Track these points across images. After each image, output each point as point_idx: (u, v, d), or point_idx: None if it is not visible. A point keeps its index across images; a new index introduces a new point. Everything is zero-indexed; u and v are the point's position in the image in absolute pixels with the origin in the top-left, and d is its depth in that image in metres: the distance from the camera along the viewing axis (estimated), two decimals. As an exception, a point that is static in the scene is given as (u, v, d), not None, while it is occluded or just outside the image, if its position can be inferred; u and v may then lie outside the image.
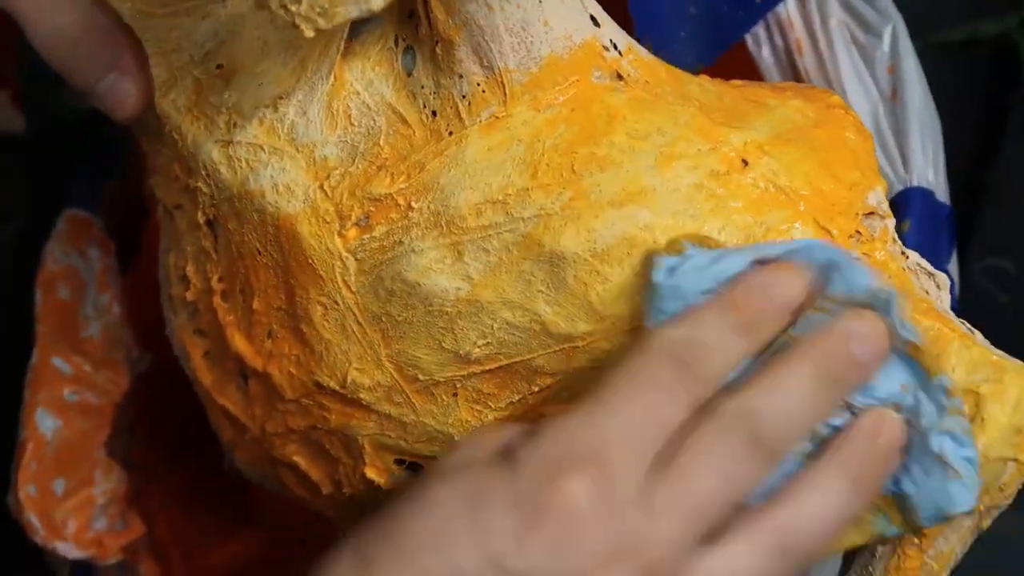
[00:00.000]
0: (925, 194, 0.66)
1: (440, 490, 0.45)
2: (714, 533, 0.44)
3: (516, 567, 0.42)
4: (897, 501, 0.48)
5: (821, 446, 0.46)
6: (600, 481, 0.42)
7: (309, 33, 0.45)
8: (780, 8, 0.71)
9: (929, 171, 0.66)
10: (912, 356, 0.46)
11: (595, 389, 0.45)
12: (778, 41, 0.71)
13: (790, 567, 0.44)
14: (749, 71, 0.72)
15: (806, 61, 0.70)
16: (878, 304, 0.46)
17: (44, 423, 0.73)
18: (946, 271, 0.67)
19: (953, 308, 0.54)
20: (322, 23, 0.45)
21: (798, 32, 0.70)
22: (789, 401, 0.45)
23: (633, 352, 0.46)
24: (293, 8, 0.45)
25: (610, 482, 0.43)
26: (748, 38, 0.72)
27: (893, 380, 0.46)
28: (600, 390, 0.45)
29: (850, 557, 0.54)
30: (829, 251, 0.46)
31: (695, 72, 0.57)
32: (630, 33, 0.55)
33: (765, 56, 0.72)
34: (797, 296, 0.46)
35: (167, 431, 0.83)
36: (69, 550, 0.73)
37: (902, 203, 0.66)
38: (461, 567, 0.42)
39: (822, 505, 0.45)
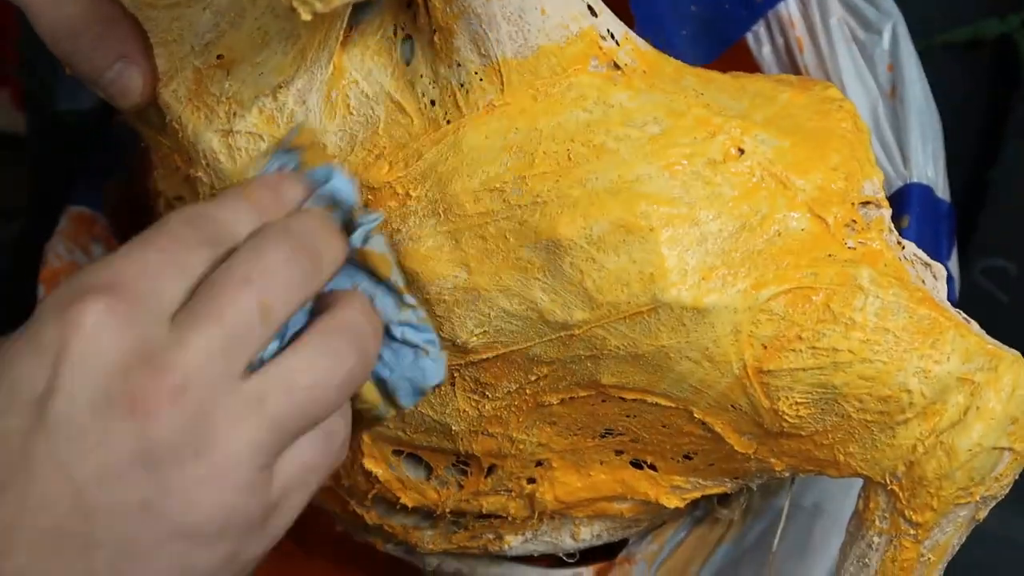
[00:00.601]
0: (924, 190, 0.66)
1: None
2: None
3: (53, 403, 0.40)
4: (380, 387, 0.50)
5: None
6: (118, 305, 0.42)
7: (306, 16, 0.45)
8: (781, 6, 0.71)
9: (928, 167, 0.67)
10: (363, 263, 0.49)
11: (116, 250, 0.45)
12: (779, 39, 0.71)
13: (343, 369, 0.44)
14: (750, 69, 0.72)
15: (806, 59, 0.70)
16: (343, 214, 0.49)
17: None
18: (946, 267, 0.67)
19: (954, 305, 0.54)
20: (319, 7, 0.45)
21: (799, 30, 0.70)
22: (310, 224, 0.46)
23: (153, 225, 0.46)
24: (290, -9, 0.45)
25: (131, 305, 0.42)
26: (749, 36, 0.72)
27: (346, 281, 0.49)
28: (121, 248, 0.44)
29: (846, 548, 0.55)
30: (332, 173, 0.50)
31: (696, 67, 0.57)
32: (632, 29, 0.55)
33: (766, 54, 0.72)
34: (298, 194, 0.49)
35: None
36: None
37: (902, 199, 0.67)
38: (3, 434, 0.40)
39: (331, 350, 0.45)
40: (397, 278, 0.49)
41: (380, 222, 0.49)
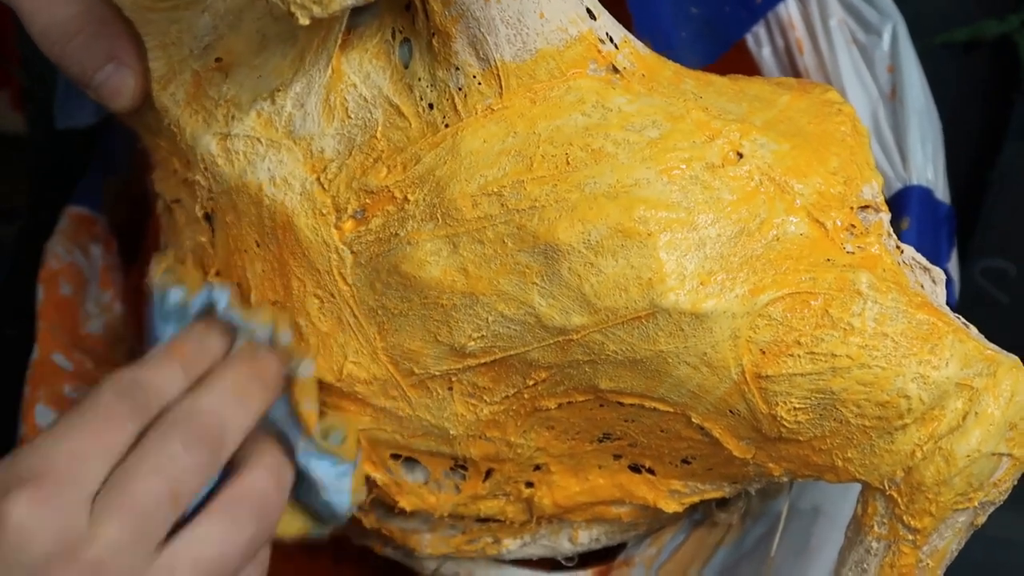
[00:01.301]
0: (924, 192, 0.66)
1: None
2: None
3: None
4: (306, 509, 0.57)
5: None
6: (41, 496, 0.44)
7: (304, 21, 0.45)
8: (781, 8, 0.71)
9: (928, 169, 0.66)
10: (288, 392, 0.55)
11: (48, 427, 0.48)
12: (779, 41, 0.71)
13: (245, 537, 0.49)
14: (750, 70, 0.72)
15: (806, 60, 0.70)
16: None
17: (44, 419, 0.73)
18: (946, 269, 0.67)
19: (953, 307, 0.53)
20: (317, 11, 0.45)
21: (798, 32, 0.70)
22: (218, 398, 0.51)
23: (86, 394, 0.49)
24: (288, -4, 0.45)
25: (53, 497, 0.45)
26: (749, 38, 0.72)
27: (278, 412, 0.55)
28: (51, 426, 0.48)
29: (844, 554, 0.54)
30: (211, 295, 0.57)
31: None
32: (630, 31, 0.55)
33: (766, 56, 0.72)
34: (218, 340, 0.54)
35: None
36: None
37: (901, 201, 0.66)
38: None
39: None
40: (310, 406, 0.54)
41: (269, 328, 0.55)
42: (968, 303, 0.72)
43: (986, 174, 0.78)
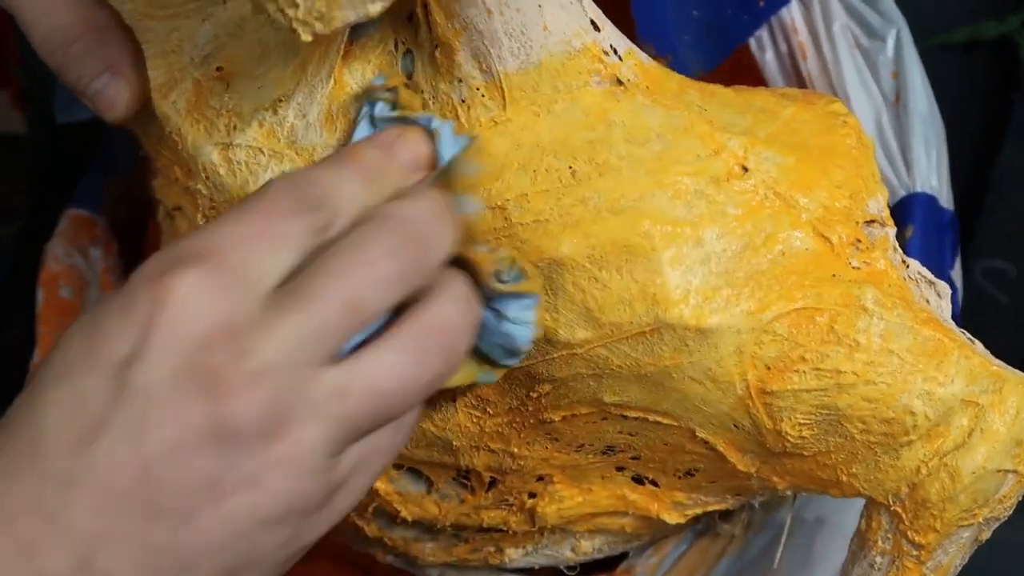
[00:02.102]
0: (928, 199, 0.66)
1: (64, 333, 0.43)
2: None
3: (137, 370, 0.40)
4: (475, 353, 0.51)
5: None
6: (208, 276, 0.41)
7: (306, 38, 0.45)
8: (784, 12, 0.70)
9: (932, 176, 0.66)
10: None
11: (214, 219, 0.45)
12: (782, 45, 0.71)
13: (429, 373, 0.44)
14: (752, 75, 0.72)
15: (809, 65, 0.70)
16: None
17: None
18: (949, 277, 0.67)
19: (956, 314, 0.53)
20: (319, 27, 0.45)
21: (802, 36, 0.70)
22: (425, 211, 0.45)
23: (254, 191, 0.45)
24: (290, 12, 0.44)
25: (222, 278, 0.41)
26: (752, 42, 0.72)
27: None
28: (219, 217, 0.44)
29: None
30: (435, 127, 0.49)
31: (697, 76, 0.57)
32: (631, 36, 0.54)
33: (768, 60, 0.71)
34: (416, 157, 0.48)
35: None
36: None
37: (905, 208, 0.66)
38: (80, 392, 0.41)
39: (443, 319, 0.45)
40: (483, 248, 0.48)
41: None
42: (968, 303, 0.72)
43: (986, 174, 0.78)
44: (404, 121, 0.50)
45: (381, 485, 0.59)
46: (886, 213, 0.52)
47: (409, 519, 0.61)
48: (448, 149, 0.49)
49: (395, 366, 0.43)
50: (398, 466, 0.59)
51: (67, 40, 0.55)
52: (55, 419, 0.41)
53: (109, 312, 0.42)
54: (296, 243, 0.43)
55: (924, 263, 0.54)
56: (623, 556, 0.68)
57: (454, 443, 0.56)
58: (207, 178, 0.56)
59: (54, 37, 0.55)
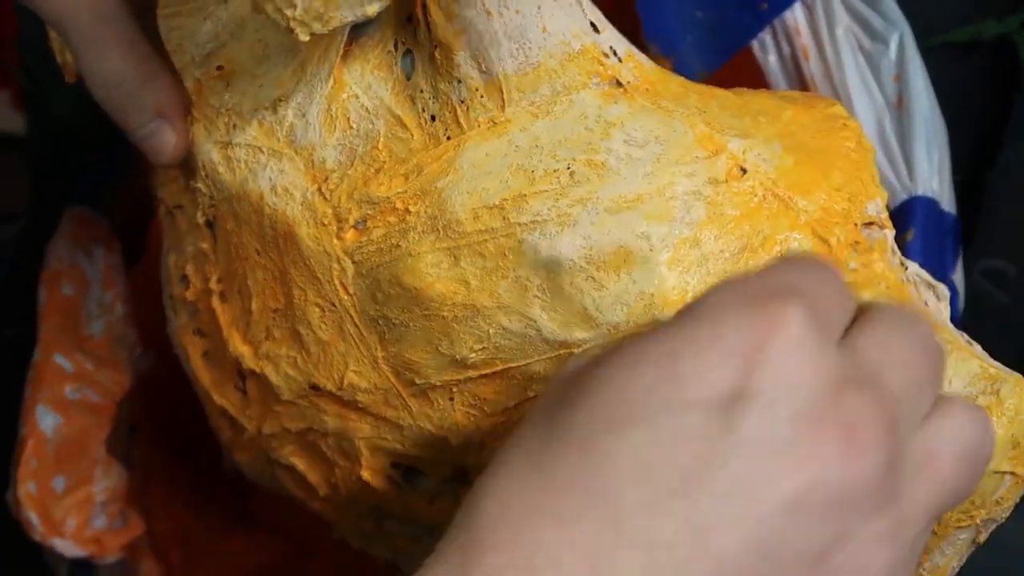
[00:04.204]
0: (930, 203, 0.66)
1: (603, 371, 0.38)
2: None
3: (745, 411, 0.35)
4: None
5: None
6: (811, 312, 0.36)
7: (304, 37, 0.45)
8: (787, 14, 0.70)
9: (934, 180, 0.66)
10: None
11: (773, 262, 0.41)
12: (784, 47, 0.71)
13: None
14: (755, 77, 0.72)
15: (812, 68, 0.70)
16: None
17: (45, 420, 0.73)
18: (950, 280, 0.67)
19: (957, 317, 0.53)
20: (317, 27, 0.45)
21: (804, 39, 0.70)
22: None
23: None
24: (288, 12, 0.45)
25: (821, 317, 0.37)
26: (755, 44, 0.72)
27: None
28: (788, 257, 0.41)
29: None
30: None
31: (699, 77, 0.57)
32: (637, 35, 0.55)
33: (771, 62, 0.71)
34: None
35: (169, 430, 0.84)
36: (68, 548, 0.73)
37: (906, 212, 0.66)
38: (665, 437, 0.35)
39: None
40: None
41: None
42: (968, 303, 0.71)
43: (985, 175, 0.78)
44: None
45: (379, 484, 0.59)
46: (885, 215, 0.52)
47: (407, 519, 0.61)
48: None
49: (968, 434, 0.40)
50: (396, 465, 0.59)
51: (116, 81, 0.56)
52: (630, 470, 0.35)
53: (687, 346, 0.37)
54: (852, 311, 0.40)
55: (924, 266, 0.54)
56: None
57: (451, 441, 0.56)
58: (206, 176, 0.56)
59: (103, 77, 0.56)
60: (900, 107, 0.68)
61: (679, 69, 0.58)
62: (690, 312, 0.38)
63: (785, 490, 0.35)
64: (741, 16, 0.72)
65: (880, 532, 0.36)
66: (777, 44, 0.71)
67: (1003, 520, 0.52)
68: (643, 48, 0.57)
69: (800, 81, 0.71)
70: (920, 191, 0.66)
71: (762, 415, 0.35)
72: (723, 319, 0.37)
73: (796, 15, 0.70)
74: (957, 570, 0.53)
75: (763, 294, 0.37)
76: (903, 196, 0.66)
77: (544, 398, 0.40)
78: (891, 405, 0.37)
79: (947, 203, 0.67)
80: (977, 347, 0.52)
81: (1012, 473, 0.50)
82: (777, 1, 0.70)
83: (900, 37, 0.68)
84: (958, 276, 0.68)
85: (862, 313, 0.40)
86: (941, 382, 0.40)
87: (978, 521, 0.51)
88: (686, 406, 0.36)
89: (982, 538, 0.53)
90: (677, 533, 0.34)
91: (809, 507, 0.35)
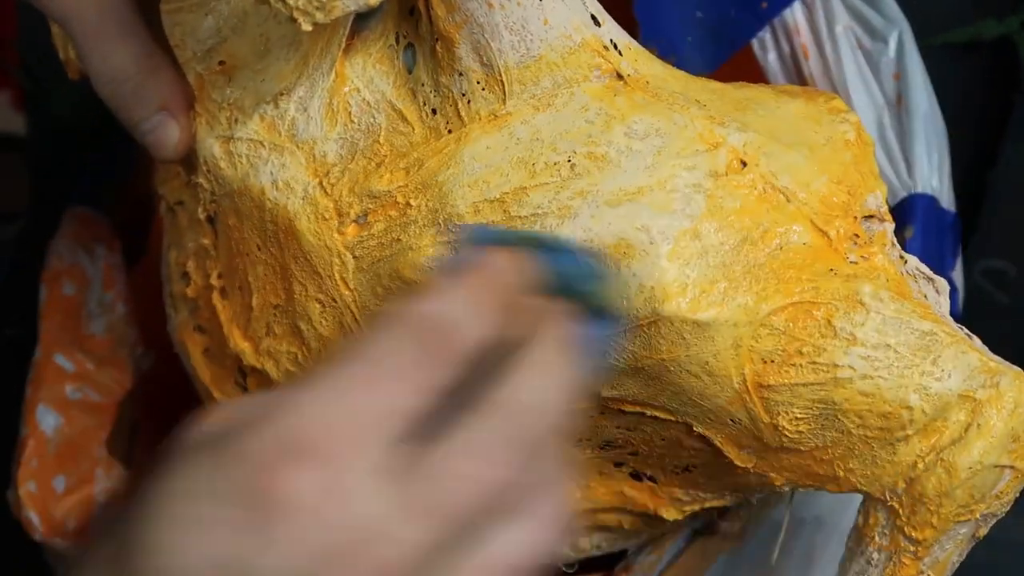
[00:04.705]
0: (929, 200, 0.66)
1: (158, 483, 0.38)
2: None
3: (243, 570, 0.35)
4: None
5: None
6: (325, 474, 0.36)
7: (307, 27, 0.45)
8: (787, 13, 0.70)
9: (934, 177, 0.66)
10: None
11: (331, 366, 0.39)
12: (784, 46, 0.71)
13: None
14: (755, 76, 0.72)
15: (812, 66, 0.70)
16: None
17: (45, 420, 0.73)
18: (950, 278, 0.67)
19: (957, 315, 0.53)
20: (319, 17, 0.45)
21: (804, 37, 0.70)
22: (546, 397, 0.40)
23: (377, 327, 0.40)
24: (291, 2, 0.45)
25: (338, 474, 0.36)
26: (754, 43, 0.72)
27: None
28: (336, 368, 0.38)
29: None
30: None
31: (700, 76, 0.57)
32: (635, 37, 0.55)
33: (771, 61, 0.72)
34: (524, 280, 0.43)
35: (171, 429, 0.83)
36: (68, 548, 0.73)
37: (906, 209, 0.66)
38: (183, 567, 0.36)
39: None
40: None
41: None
42: (968, 303, 0.71)
43: (986, 174, 0.78)
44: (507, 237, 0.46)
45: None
46: (885, 209, 0.52)
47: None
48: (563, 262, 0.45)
49: (521, 537, 0.39)
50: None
51: (120, 77, 0.56)
52: None
53: (212, 502, 0.36)
54: (414, 411, 0.38)
55: (923, 264, 0.54)
56: (622, 555, 0.68)
57: (452, 437, 0.56)
58: (208, 171, 0.56)
59: (107, 72, 0.56)
60: (899, 105, 0.68)
61: (679, 69, 0.58)
62: (221, 462, 0.38)
63: None
64: (741, 15, 0.72)
65: None
66: (777, 43, 0.71)
67: (1002, 514, 0.52)
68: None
69: (800, 79, 0.71)
70: (919, 188, 0.66)
71: None
72: (238, 486, 0.37)
73: (796, 14, 0.70)
74: (957, 564, 0.53)
75: (271, 459, 0.36)
76: (903, 194, 0.66)
77: None
78: (394, 570, 0.36)
79: (947, 201, 0.67)
80: (976, 340, 0.52)
81: (1011, 467, 0.50)
82: (776, 0, 0.70)
83: (899, 35, 0.68)
84: (958, 274, 0.68)
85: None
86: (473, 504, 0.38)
87: (978, 515, 0.51)
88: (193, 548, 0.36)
89: (982, 532, 0.53)
90: None
91: None
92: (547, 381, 0.40)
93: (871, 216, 0.52)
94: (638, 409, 0.53)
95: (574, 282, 0.45)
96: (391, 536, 0.37)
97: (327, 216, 0.53)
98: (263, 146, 0.54)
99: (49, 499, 0.72)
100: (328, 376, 0.38)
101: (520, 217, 0.50)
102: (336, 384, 0.38)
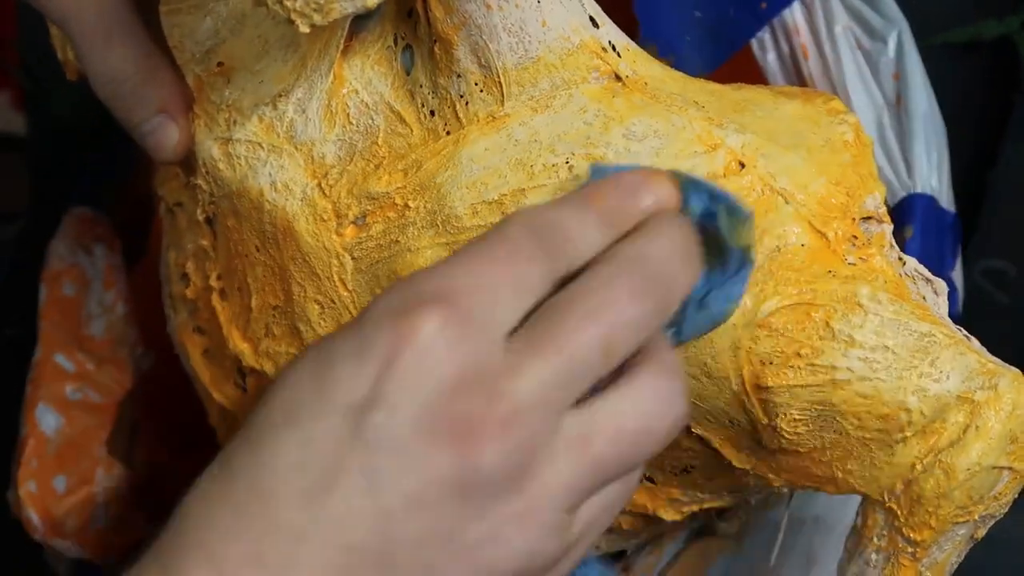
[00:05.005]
0: (929, 200, 0.66)
1: (288, 370, 0.41)
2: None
3: (374, 416, 0.38)
4: None
5: None
6: (454, 319, 0.39)
7: (304, 29, 0.45)
8: (786, 13, 0.70)
9: (933, 177, 0.66)
10: None
11: (472, 244, 0.42)
12: (783, 46, 0.71)
13: (671, 417, 0.42)
14: (754, 76, 0.72)
15: (811, 66, 0.70)
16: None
17: (45, 420, 0.73)
18: (950, 278, 0.67)
19: (956, 314, 0.53)
20: (317, 19, 0.45)
21: (803, 37, 0.70)
22: (666, 250, 0.43)
23: (494, 227, 0.43)
24: (288, 4, 0.45)
25: (466, 321, 0.39)
26: (754, 43, 0.72)
27: None
28: (455, 255, 0.42)
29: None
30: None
31: (699, 76, 0.57)
32: (635, 36, 0.55)
33: (770, 61, 0.71)
34: (659, 201, 0.45)
35: (171, 429, 0.83)
36: (68, 548, 0.73)
37: (906, 209, 0.66)
38: (312, 437, 0.39)
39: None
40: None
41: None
42: (968, 303, 0.71)
43: (986, 174, 0.78)
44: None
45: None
46: (883, 210, 0.52)
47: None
48: (697, 202, 0.46)
49: (641, 407, 0.41)
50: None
51: (118, 78, 0.56)
52: (283, 467, 0.39)
53: (342, 351, 0.40)
54: (537, 289, 0.41)
55: (923, 264, 0.54)
56: (621, 555, 0.68)
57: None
58: (207, 173, 0.56)
59: (105, 73, 0.55)
60: (899, 105, 0.68)
61: (678, 69, 0.58)
62: (356, 319, 0.41)
63: (404, 486, 0.38)
64: (740, 15, 0.72)
65: (510, 513, 0.39)
66: (776, 43, 0.71)
67: (1001, 515, 0.52)
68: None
69: (799, 80, 0.71)
70: (919, 188, 0.66)
71: (384, 419, 0.38)
72: (373, 326, 0.40)
73: (795, 14, 0.70)
74: (956, 565, 0.53)
75: (410, 302, 0.40)
76: (902, 194, 0.66)
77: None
78: (510, 400, 0.39)
79: (946, 201, 0.67)
80: (975, 341, 0.52)
81: (1010, 468, 0.50)
82: (776, 0, 0.70)
83: (899, 35, 0.68)
84: (957, 274, 0.68)
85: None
86: (620, 353, 0.41)
87: (976, 517, 0.51)
88: (329, 410, 0.39)
89: (980, 533, 0.53)
90: (315, 526, 0.38)
91: (428, 499, 0.38)
92: (671, 243, 0.43)
93: (869, 217, 0.52)
94: (637, 410, 0.53)
95: (711, 219, 0.46)
96: (513, 373, 0.39)
97: (325, 217, 0.53)
98: (261, 148, 0.54)
99: (49, 499, 0.73)
100: (470, 251, 0.41)
101: (518, 219, 0.50)
102: (466, 259, 0.41)
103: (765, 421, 0.51)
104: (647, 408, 0.41)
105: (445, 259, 0.42)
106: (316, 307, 0.55)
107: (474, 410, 0.39)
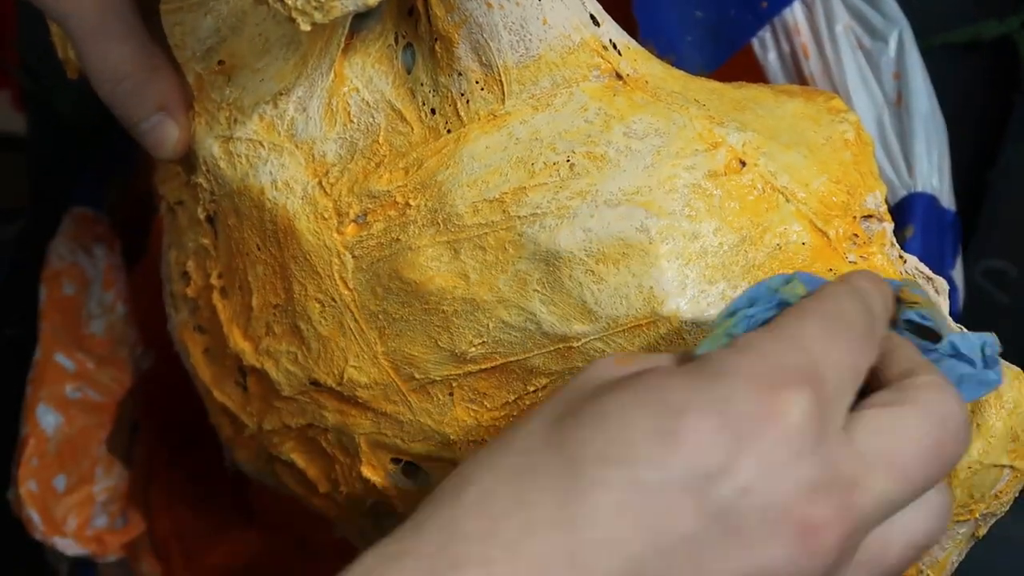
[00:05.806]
0: (929, 200, 0.66)
1: (612, 404, 0.39)
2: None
3: (722, 488, 0.37)
4: None
5: None
6: (816, 403, 0.38)
7: (305, 27, 0.45)
8: (787, 12, 0.70)
9: (934, 176, 0.66)
10: None
11: (790, 319, 0.41)
12: (784, 46, 0.71)
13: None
14: (755, 75, 0.72)
15: (812, 66, 0.70)
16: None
17: (46, 419, 0.73)
18: (950, 277, 0.67)
19: (957, 313, 0.53)
20: (318, 17, 0.45)
21: (804, 37, 0.70)
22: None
23: (828, 292, 0.42)
24: (289, 2, 0.45)
25: (824, 406, 0.38)
26: (754, 42, 0.72)
27: None
28: (797, 321, 0.41)
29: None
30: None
31: (700, 76, 0.57)
32: (634, 36, 0.55)
33: (771, 60, 0.71)
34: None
35: (170, 428, 0.84)
36: (69, 547, 0.73)
37: (906, 208, 0.66)
38: (646, 485, 0.37)
39: None
40: None
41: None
42: (968, 304, 0.71)
43: (986, 174, 0.78)
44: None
45: (379, 479, 0.59)
46: (884, 208, 0.52)
47: (407, 515, 0.61)
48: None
49: (926, 525, 0.41)
50: (396, 460, 0.59)
51: (117, 75, 0.56)
52: (605, 504, 0.37)
53: (703, 410, 0.38)
54: (865, 373, 0.41)
55: (924, 263, 0.53)
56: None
57: (451, 437, 0.56)
58: (207, 171, 0.56)
59: (108, 71, 0.56)
60: (899, 105, 0.68)
61: (679, 68, 0.58)
62: (710, 365, 0.39)
63: (732, 569, 0.37)
64: (741, 15, 0.72)
65: None
66: (777, 42, 0.71)
67: (1002, 514, 0.52)
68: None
69: (800, 79, 0.71)
70: (919, 187, 0.66)
71: (734, 497, 0.37)
72: (735, 390, 0.38)
73: (796, 13, 0.70)
74: (957, 564, 0.53)
75: (781, 372, 0.38)
76: (902, 193, 0.66)
77: (556, 399, 0.41)
78: (855, 514, 0.38)
79: (947, 200, 0.67)
80: (976, 340, 0.52)
81: (1011, 467, 0.50)
82: (776, -1, 0.70)
83: (899, 34, 0.68)
84: (958, 273, 0.68)
85: (891, 380, 0.42)
86: (931, 480, 0.41)
87: (977, 515, 0.51)
88: (672, 465, 0.37)
89: (981, 532, 0.53)
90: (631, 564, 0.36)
91: None
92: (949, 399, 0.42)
93: (870, 216, 0.52)
94: (637, 409, 0.53)
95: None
96: (861, 483, 0.38)
97: (326, 216, 0.53)
98: (262, 146, 0.54)
99: (50, 498, 0.73)
100: (793, 324, 0.40)
101: (519, 217, 0.50)
102: (806, 331, 0.40)
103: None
104: (929, 527, 0.42)
105: (785, 323, 0.41)
106: (317, 305, 0.55)
107: (824, 514, 0.37)
